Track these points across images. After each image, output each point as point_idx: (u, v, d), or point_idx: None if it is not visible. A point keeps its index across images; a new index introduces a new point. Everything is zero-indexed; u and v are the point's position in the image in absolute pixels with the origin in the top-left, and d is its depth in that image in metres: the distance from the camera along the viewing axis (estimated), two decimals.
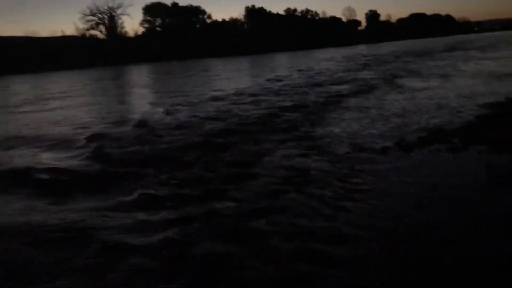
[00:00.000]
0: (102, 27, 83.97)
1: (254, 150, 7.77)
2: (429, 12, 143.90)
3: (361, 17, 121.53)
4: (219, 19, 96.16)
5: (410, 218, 4.52)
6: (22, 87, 33.27)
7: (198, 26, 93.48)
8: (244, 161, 7.09)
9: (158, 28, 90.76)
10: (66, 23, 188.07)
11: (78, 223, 4.78)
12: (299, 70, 28.65)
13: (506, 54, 30.83)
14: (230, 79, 26.49)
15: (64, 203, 5.55)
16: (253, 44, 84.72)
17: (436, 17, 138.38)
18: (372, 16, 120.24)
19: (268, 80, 22.74)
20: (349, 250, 3.88)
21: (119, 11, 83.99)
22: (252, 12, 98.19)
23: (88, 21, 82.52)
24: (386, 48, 61.12)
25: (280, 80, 22.06)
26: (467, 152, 6.74)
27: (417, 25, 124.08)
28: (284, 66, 36.52)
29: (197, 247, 4.08)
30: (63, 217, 5.03)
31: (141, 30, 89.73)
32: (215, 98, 16.13)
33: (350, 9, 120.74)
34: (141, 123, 11.18)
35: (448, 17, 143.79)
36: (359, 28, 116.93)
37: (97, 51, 72.48)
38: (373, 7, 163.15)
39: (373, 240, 4.08)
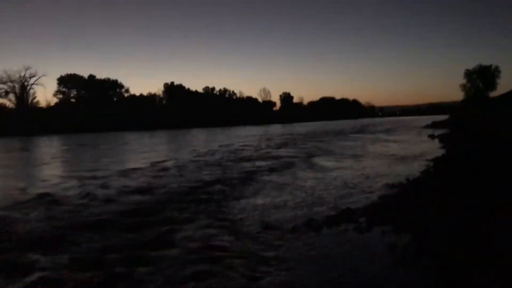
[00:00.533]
0: (12, 96, 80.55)
1: (166, 229, 7.54)
2: (338, 96, 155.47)
3: (276, 98, 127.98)
4: (137, 94, 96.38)
5: None
6: None
7: (115, 99, 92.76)
8: (154, 240, 6.84)
9: (72, 100, 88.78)
10: None
11: None
12: (220, 146, 29.19)
13: (406, 138, 33.78)
14: (148, 152, 26.10)
15: None
16: (171, 119, 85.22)
17: (344, 101, 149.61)
18: (286, 98, 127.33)
19: (189, 154, 22.81)
20: None
21: (31, 81, 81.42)
22: (171, 88, 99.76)
23: None
24: (299, 128, 64.30)
25: (199, 156, 22.16)
26: (372, 232, 7.04)
27: (327, 108, 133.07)
28: (204, 142, 36.87)
29: None
30: None
31: (54, 100, 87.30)
32: (128, 173, 15.71)
33: (265, 91, 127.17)
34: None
35: (355, 102, 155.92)
36: (274, 108, 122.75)
37: (5, 120, 68.89)
38: (286, 90, 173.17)
39: None
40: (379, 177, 12.91)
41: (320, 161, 18.46)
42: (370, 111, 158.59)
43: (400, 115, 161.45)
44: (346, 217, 7.98)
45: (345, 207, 8.76)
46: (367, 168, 15.31)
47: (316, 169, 15.61)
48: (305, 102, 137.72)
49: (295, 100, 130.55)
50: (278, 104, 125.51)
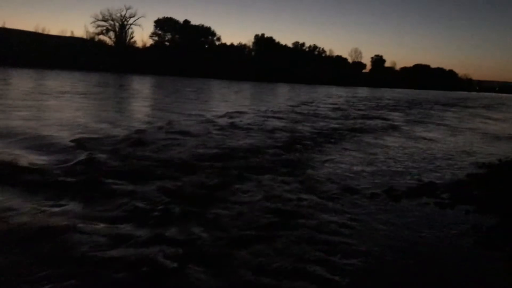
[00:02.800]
0: (111, 34, 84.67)
1: (247, 177, 7.72)
2: (433, 65, 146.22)
3: (366, 60, 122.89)
4: (228, 43, 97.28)
5: (391, 264, 4.49)
6: (23, 82, 33.21)
7: (206, 46, 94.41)
8: (235, 188, 7.03)
9: (166, 43, 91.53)
10: (77, 24, 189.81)
11: (60, 230, 4.69)
12: (307, 102, 29.08)
13: (506, 116, 31.44)
14: (251, 99, 26.63)
15: (50, 207, 5.44)
16: (258, 71, 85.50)
17: (440, 71, 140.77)
18: (377, 61, 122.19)
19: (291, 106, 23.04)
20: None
21: (131, 21, 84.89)
22: (261, 40, 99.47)
23: (99, 26, 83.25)
24: (389, 93, 61.90)
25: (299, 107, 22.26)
26: (454, 210, 6.74)
27: (420, 76, 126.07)
28: (291, 97, 36.83)
29: (171, 269, 4.03)
30: (46, 221, 4.93)
31: (150, 42, 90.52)
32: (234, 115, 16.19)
33: (357, 51, 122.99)
34: (139, 132, 11.16)
35: (451, 73, 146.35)
36: (364, 70, 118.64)
37: (103, 57, 72.81)
38: (379, 52, 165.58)
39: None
40: (469, 154, 12.24)
41: (410, 129, 17.84)
42: (466, 84, 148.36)
43: (499, 91, 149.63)
44: (428, 190, 7.69)
45: (428, 181, 8.44)
46: (459, 143, 14.58)
47: (405, 137, 15.12)
48: (398, 67, 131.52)
49: (387, 64, 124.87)
50: (368, 67, 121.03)
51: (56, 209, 5.38)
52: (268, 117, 18.79)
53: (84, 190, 6.19)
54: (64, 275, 3.77)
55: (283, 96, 39.42)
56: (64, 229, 4.70)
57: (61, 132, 10.99)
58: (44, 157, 8.12)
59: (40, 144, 9.31)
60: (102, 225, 4.93)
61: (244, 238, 4.89)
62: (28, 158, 7.85)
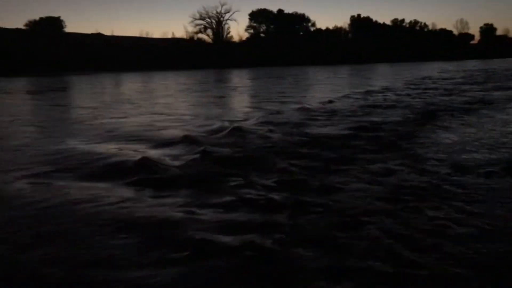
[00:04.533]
0: (209, 31, 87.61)
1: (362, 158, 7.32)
2: None
3: (474, 30, 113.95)
4: (323, 27, 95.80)
5: None
6: (132, 84, 35.50)
7: (301, 33, 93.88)
8: (342, 170, 6.67)
9: (262, 34, 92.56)
10: (177, 25, 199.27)
11: (172, 218, 4.82)
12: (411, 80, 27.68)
13: None
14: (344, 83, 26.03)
15: (163, 198, 5.58)
16: (356, 53, 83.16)
17: None
18: (487, 30, 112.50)
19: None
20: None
21: (226, 16, 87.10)
22: (357, 21, 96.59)
23: (197, 25, 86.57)
24: (504, 65, 56.60)
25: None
26: None
27: None
28: (395, 75, 35.28)
29: (278, 254, 3.90)
30: (160, 210, 5.08)
31: (245, 35, 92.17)
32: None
33: (462, 22, 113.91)
34: (237, 129, 11.19)
35: None
36: (472, 42, 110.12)
37: (203, 54, 75.61)
38: (489, 21, 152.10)
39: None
40: None
41: None
42: None
43: None
44: None
45: None
46: None
47: None
48: None
49: (498, 32, 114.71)
50: (477, 37, 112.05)
51: (169, 200, 5.51)
52: (385, 95, 18.14)
53: (195, 181, 6.28)
54: (174, 259, 3.84)
55: (387, 76, 37.79)
56: (175, 217, 4.82)
57: (171, 128, 11.43)
58: (157, 151, 8.43)
59: (152, 139, 9.72)
60: (211, 213, 4.98)
61: (352, 223, 4.57)
62: (143, 152, 8.18)
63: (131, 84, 35.71)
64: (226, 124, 11.62)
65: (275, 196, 5.51)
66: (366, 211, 4.89)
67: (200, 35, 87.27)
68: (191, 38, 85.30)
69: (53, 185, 6.16)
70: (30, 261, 3.84)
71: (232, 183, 6.15)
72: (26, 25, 73.69)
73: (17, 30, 72.70)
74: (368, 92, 20.70)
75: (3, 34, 65.96)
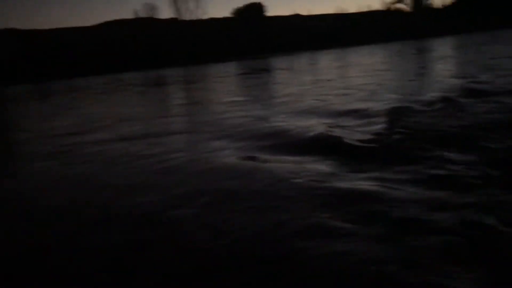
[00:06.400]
0: (407, 0, 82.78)
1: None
2: None
3: None
4: None
5: None
6: (325, 61, 35.86)
7: None
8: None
9: None
10: None
11: (369, 194, 4.68)
12: None
13: None
14: None
15: (359, 172, 5.49)
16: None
17: None
18: None
19: None
20: None
21: None
22: None
23: None
24: None
25: None
26: None
27: None
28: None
29: (504, 235, 3.45)
30: (356, 185, 5.01)
31: (448, 0, 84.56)
32: None
33: None
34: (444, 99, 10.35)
35: None
36: None
37: (400, 25, 72.13)
38: None
39: None
40: None
41: None
42: None
43: None
44: None
45: None
46: None
47: None
48: None
49: None
50: None
51: (364, 175, 5.38)
52: None
53: (392, 157, 6.04)
54: (371, 235, 3.71)
55: None
56: (372, 193, 4.67)
57: (366, 101, 11.29)
58: (353, 125, 8.44)
59: (348, 113, 9.73)
60: (411, 190, 4.67)
61: None
62: (334, 128, 8.20)
63: (324, 61, 36.10)
64: (425, 98, 10.94)
65: (484, 174, 4.91)
66: None
67: (397, 5, 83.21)
68: (388, 9, 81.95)
69: (257, 159, 6.59)
70: (240, 230, 4.13)
71: (432, 159, 5.75)
72: (232, 13, 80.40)
73: (225, 18, 79.89)
74: None
75: (212, 24, 73.31)
